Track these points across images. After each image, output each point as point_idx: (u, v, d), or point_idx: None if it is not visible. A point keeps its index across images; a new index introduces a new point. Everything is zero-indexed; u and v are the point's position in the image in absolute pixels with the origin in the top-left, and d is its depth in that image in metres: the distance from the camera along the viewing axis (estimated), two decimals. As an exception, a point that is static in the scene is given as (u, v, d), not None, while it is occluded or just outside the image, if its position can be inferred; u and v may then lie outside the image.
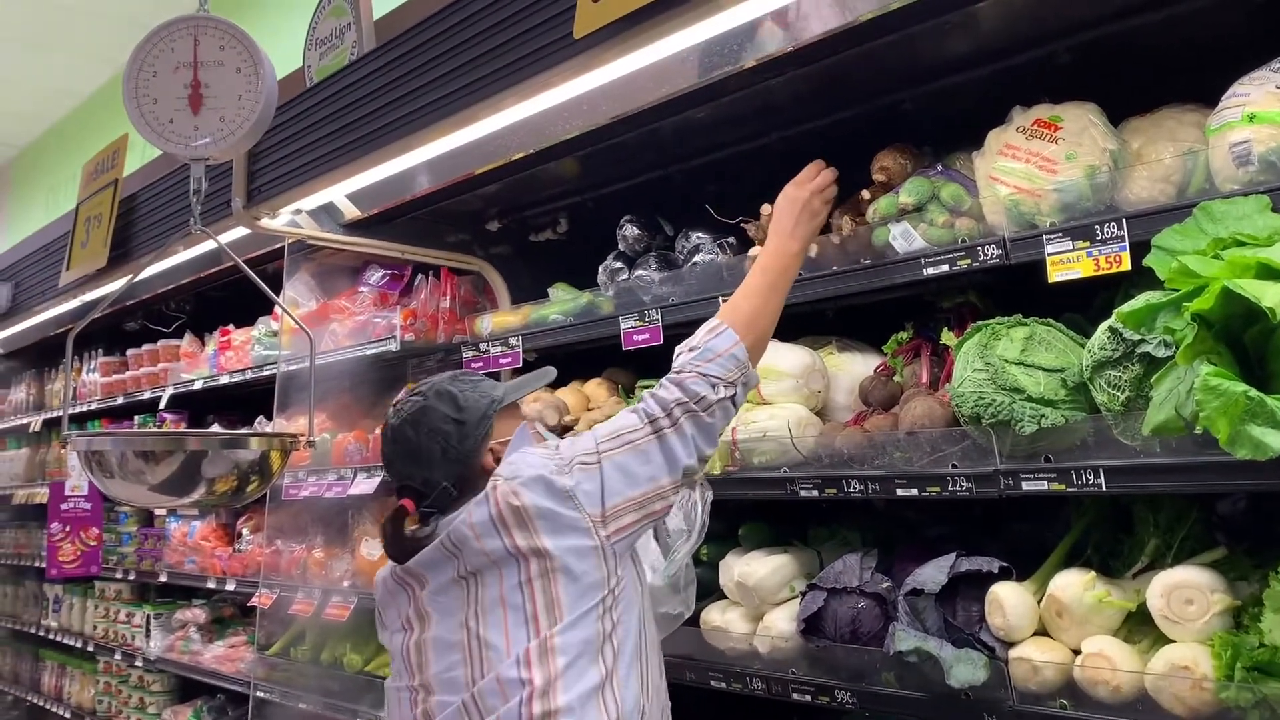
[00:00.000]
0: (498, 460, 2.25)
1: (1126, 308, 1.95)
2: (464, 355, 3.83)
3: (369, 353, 3.84)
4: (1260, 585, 2.11)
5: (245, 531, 5.09)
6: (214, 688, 5.36)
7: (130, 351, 6.16)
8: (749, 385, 2.28)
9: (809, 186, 2.55)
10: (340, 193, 3.50)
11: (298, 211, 3.59)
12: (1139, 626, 2.23)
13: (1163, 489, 2.10)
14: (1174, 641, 2.10)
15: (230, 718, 5.52)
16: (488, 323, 3.82)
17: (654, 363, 3.38)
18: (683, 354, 2.26)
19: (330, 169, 3.27)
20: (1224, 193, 2.09)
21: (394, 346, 3.80)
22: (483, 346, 3.77)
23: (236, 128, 2.61)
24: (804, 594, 2.65)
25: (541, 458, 2.15)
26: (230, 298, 5.36)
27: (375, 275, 4.20)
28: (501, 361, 3.70)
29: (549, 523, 2.06)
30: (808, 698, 2.63)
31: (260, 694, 4.39)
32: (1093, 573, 2.24)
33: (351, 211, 3.64)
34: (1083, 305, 2.58)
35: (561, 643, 2.01)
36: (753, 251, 2.94)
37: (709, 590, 3.03)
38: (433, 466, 2.22)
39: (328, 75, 3.37)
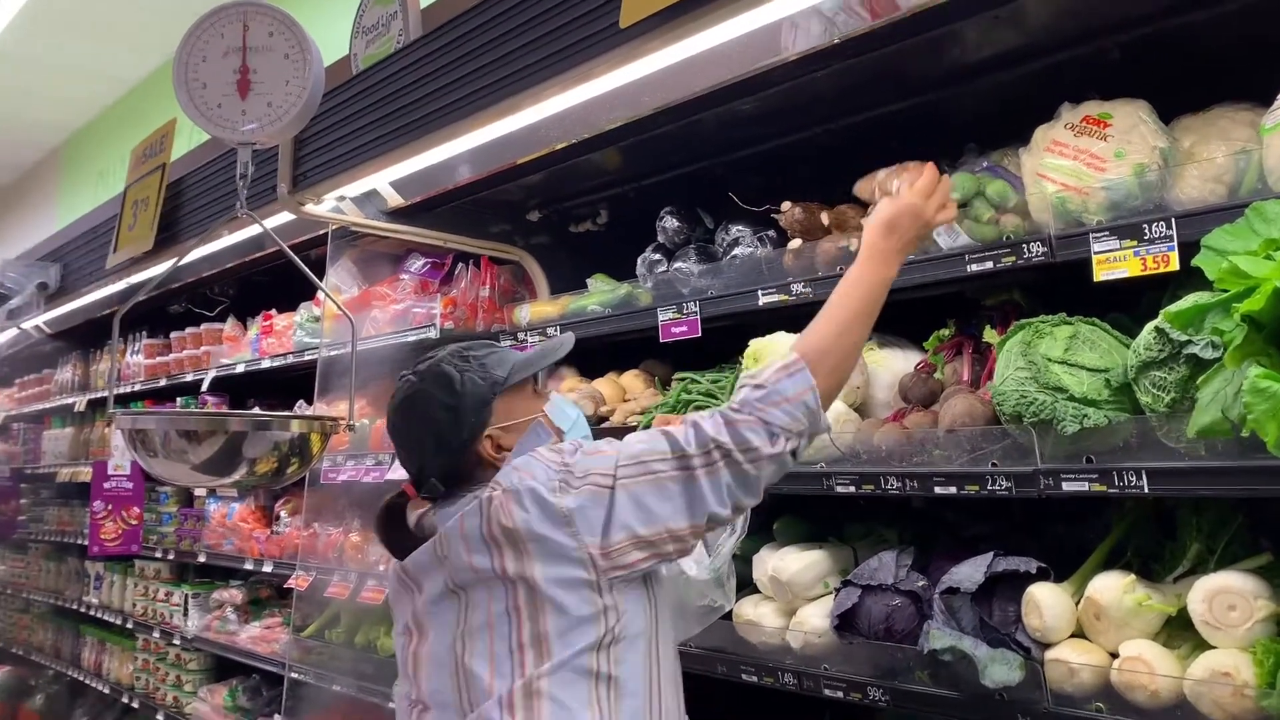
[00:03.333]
0: (499, 448, 2.05)
1: (1174, 308, 1.92)
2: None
3: (409, 340, 3.87)
4: (1306, 593, 2.08)
5: (283, 514, 5.15)
6: (249, 668, 5.43)
7: (174, 334, 6.25)
8: (816, 434, 2.01)
9: (931, 200, 2.20)
10: (384, 180, 3.53)
11: (341, 198, 3.62)
12: (1178, 631, 2.20)
13: (1206, 492, 2.07)
14: (1214, 647, 2.07)
15: (265, 697, 5.59)
16: (526, 312, 3.84)
17: (691, 355, 3.39)
18: (746, 387, 1.97)
19: (374, 156, 3.29)
20: (1278, 193, 2.05)
21: (433, 334, 3.82)
22: (521, 336, 3.79)
23: (284, 113, 2.64)
24: (838, 590, 2.64)
25: (546, 467, 1.91)
26: (273, 283, 5.41)
27: (416, 263, 4.22)
28: (539, 351, 3.71)
29: (540, 547, 1.85)
30: (840, 694, 2.62)
31: (295, 675, 4.44)
32: (1132, 575, 2.22)
33: (394, 199, 3.67)
34: (1128, 305, 2.54)
35: (548, 686, 1.83)
36: (793, 244, 2.93)
37: (741, 584, 3.02)
38: (424, 457, 2.06)
39: (373, 63, 3.40)
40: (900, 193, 2.20)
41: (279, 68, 2.69)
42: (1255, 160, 2.18)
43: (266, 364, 4.96)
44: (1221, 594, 2.06)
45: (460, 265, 4.06)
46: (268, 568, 4.98)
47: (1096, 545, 2.48)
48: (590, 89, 2.80)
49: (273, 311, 5.26)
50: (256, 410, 5.33)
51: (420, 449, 2.07)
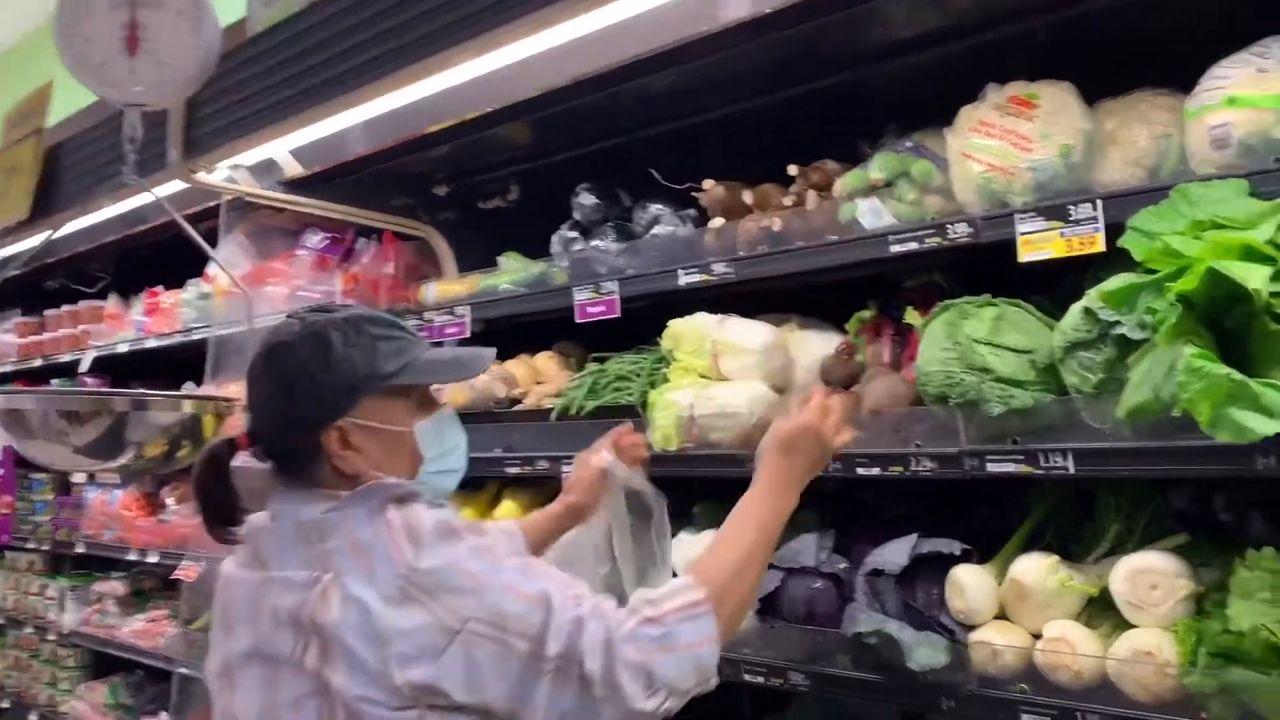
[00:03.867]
0: (345, 444, 1.73)
1: (1108, 287, 1.92)
2: (408, 324, 3.70)
3: (352, 304, 3.68)
4: (1221, 572, 2.10)
5: (171, 501, 4.90)
6: (131, 663, 5.17)
7: (49, 312, 5.89)
8: (700, 690, 1.72)
9: (829, 419, 2.01)
10: (283, 148, 3.36)
11: (236, 167, 3.44)
12: (1099, 612, 2.22)
13: (1131, 473, 2.08)
14: (1136, 627, 2.09)
15: (148, 693, 5.33)
16: (433, 291, 3.70)
17: (608, 336, 3.30)
18: (642, 611, 1.67)
19: (273, 122, 3.12)
20: (1200, 175, 2.06)
21: (335, 313, 3.65)
22: (428, 315, 3.65)
23: (176, 73, 2.47)
24: (759, 574, 2.60)
25: (391, 566, 1.59)
26: (158, 258, 5.11)
27: (314, 238, 4.04)
28: (448, 332, 3.58)
29: (348, 659, 1.56)
30: (760, 679, 2.58)
31: (183, 670, 4.22)
32: (1055, 557, 2.22)
33: (294, 168, 3.50)
34: (1047, 288, 2.55)
35: None
36: (714, 223, 2.87)
37: (659, 569, 2.96)
38: (263, 414, 1.79)
39: (273, 24, 3.21)
40: (795, 413, 2.02)
41: (172, 25, 2.52)
42: (1175, 144, 2.20)
43: (152, 343, 4.71)
44: (1143, 574, 2.08)
45: (362, 241, 3.90)
46: (153, 558, 4.73)
47: (1016, 527, 2.49)
48: (501, 57, 2.70)
49: (159, 288, 4.99)
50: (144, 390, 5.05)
51: (263, 404, 1.79)
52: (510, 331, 3.73)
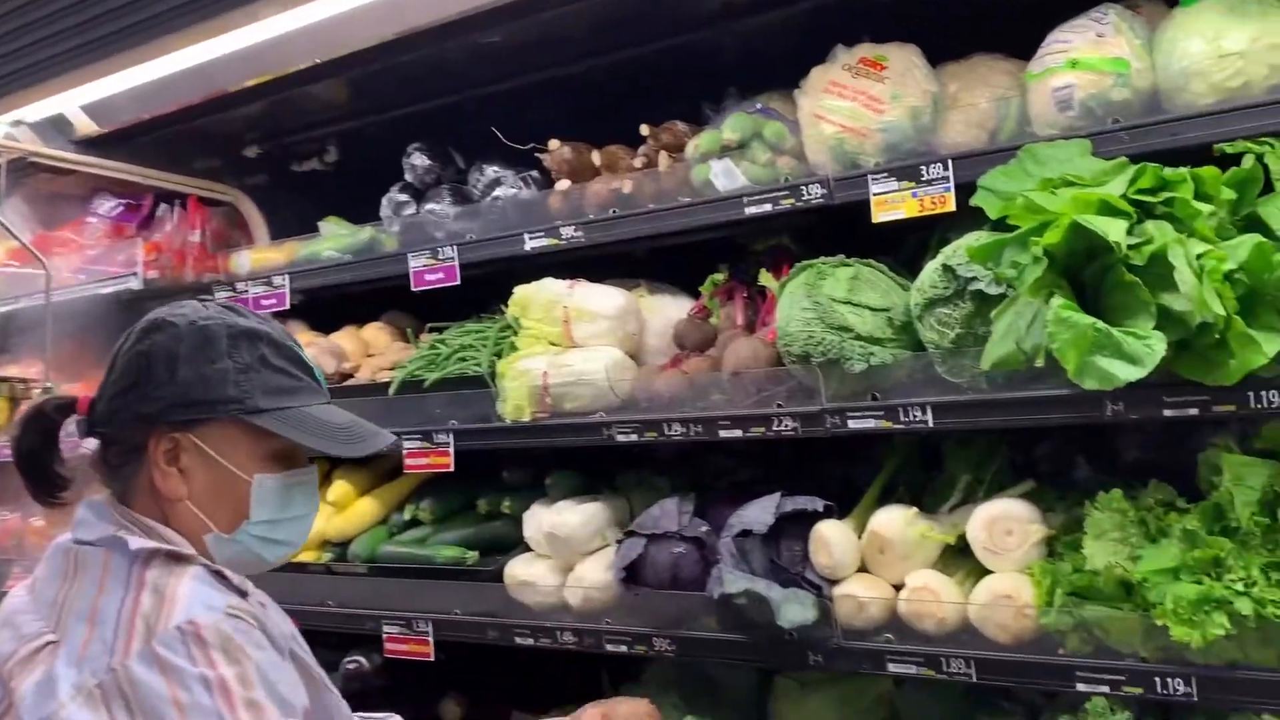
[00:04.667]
0: (172, 459, 1.56)
1: (974, 243, 1.96)
2: (218, 296, 3.43)
3: (105, 291, 3.36)
4: (1065, 516, 2.22)
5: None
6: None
7: None
8: None
9: None
10: (74, 103, 3.03)
11: (17, 124, 3.07)
12: (954, 559, 2.30)
13: (988, 424, 2.16)
14: (992, 572, 2.17)
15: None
16: (245, 260, 3.44)
17: (444, 305, 3.16)
18: None
19: (63, 72, 2.82)
20: (1042, 137, 2.15)
21: (135, 284, 3.37)
22: (240, 286, 3.39)
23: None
24: (620, 542, 2.56)
25: (102, 644, 1.38)
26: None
27: (106, 204, 3.69)
28: (264, 303, 3.34)
29: None
30: (623, 648, 2.55)
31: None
32: (914, 509, 2.28)
33: (86, 125, 3.17)
34: (888, 250, 2.61)
35: None
36: (561, 185, 2.78)
37: (511, 544, 2.88)
38: (109, 393, 1.60)
39: (58, -38, 2.88)
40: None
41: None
42: (1014, 107, 2.28)
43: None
44: (1000, 520, 2.16)
45: (163, 207, 3.58)
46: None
47: (864, 482, 2.55)
48: (317, 9, 2.52)
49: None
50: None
51: (116, 378, 1.59)
52: (335, 303, 3.53)
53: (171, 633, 1.38)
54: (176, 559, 1.51)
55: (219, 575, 1.55)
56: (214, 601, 1.45)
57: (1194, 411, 1.86)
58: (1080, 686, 1.99)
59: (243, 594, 1.57)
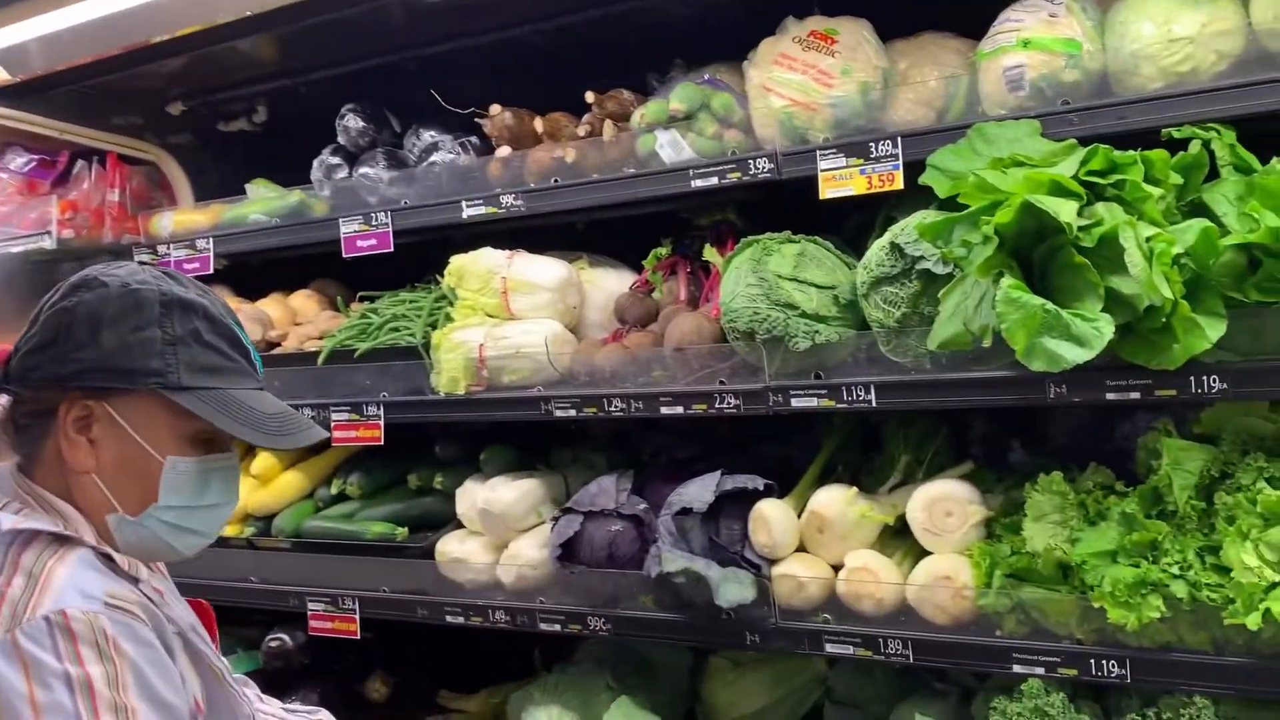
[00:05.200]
0: (83, 427, 1.48)
1: (925, 221, 1.94)
2: (137, 259, 3.28)
3: (15, 250, 3.20)
4: (1005, 497, 2.22)
5: None
6: None
7: None
8: None
9: None
10: (-17, 48, 2.85)
11: (-80, 68, 2.89)
12: (891, 540, 2.30)
13: (931, 405, 2.14)
14: (930, 553, 2.17)
15: None
16: (168, 221, 3.30)
17: (377, 274, 3.07)
18: None
19: (-29, 15, 2.64)
20: (992, 117, 2.13)
21: (48, 243, 3.20)
22: (162, 249, 3.25)
23: None
24: (556, 519, 2.51)
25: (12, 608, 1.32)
26: None
27: (18, 159, 3.49)
28: (186, 267, 3.20)
29: None
30: (557, 627, 2.50)
31: None
32: (854, 489, 2.27)
33: (-3, 74, 2.99)
34: (832, 227, 2.58)
35: None
36: (501, 152, 2.70)
37: (442, 521, 2.81)
38: (27, 348, 1.51)
39: (-34, -103, 2.71)
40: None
41: None
42: (963, 87, 2.26)
43: None
44: (940, 501, 2.16)
45: (81, 164, 3.41)
46: None
47: (803, 462, 2.53)
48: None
49: None
50: None
51: (37, 332, 1.50)
52: (261, 269, 3.41)
53: (38, 623, 1.30)
54: (61, 541, 1.42)
55: (107, 559, 1.46)
56: (92, 589, 1.36)
57: (1136, 395, 1.86)
58: (1017, 668, 2.00)
59: (134, 580, 1.48)
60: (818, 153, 2.25)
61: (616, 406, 2.40)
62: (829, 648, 2.20)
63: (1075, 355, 1.70)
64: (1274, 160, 1.86)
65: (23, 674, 1.27)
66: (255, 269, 3.39)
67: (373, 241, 2.82)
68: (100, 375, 1.47)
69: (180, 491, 1.52)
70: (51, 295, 1.53)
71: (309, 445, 3.03)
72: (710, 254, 2.53)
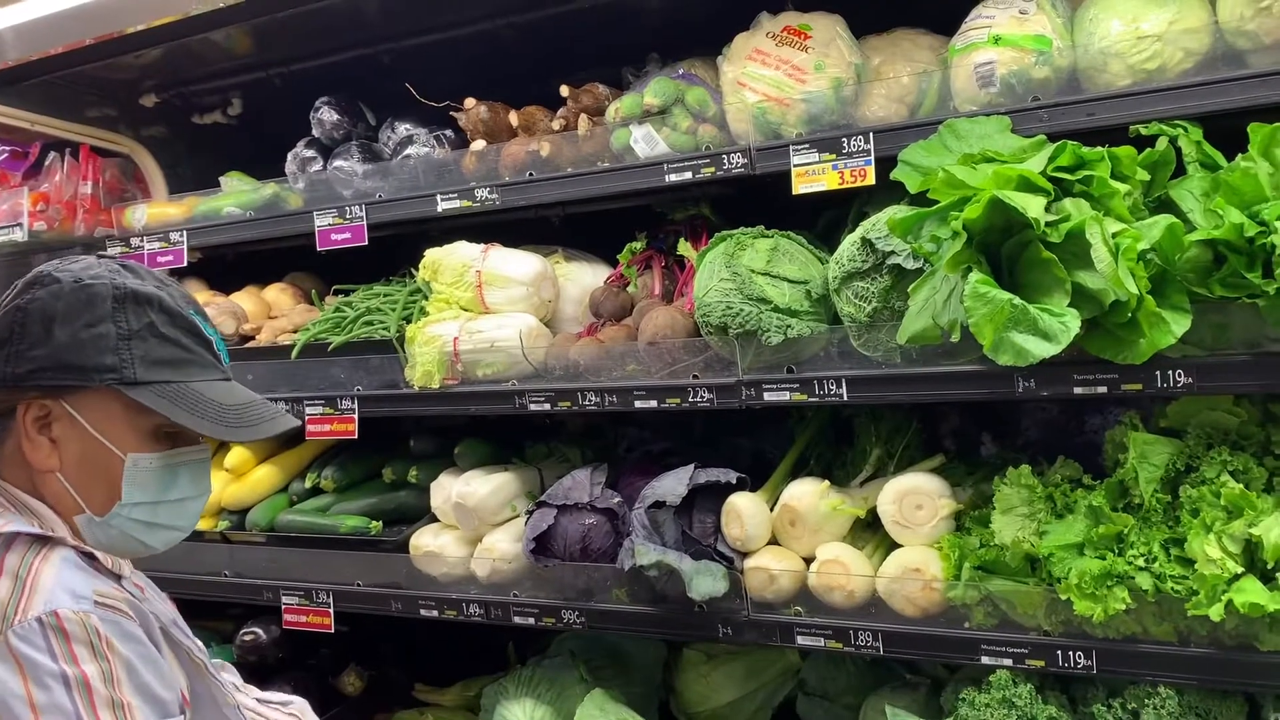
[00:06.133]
0: (43, 426, 1.47)
1: (895, 216, 1.95)
2: (110, 252, 3.26)
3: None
4: (974, 491, 2.24)
5: None
6: None
7: None
8: None
9: None
10: (-47, 38, 2.82)
11: (-113, 58, 2.86)
12: (862, 533, 2.31)
13: (902, 399, 2.17)
14: (901, 546, 2.19)
15: None
16: (141, 214, 3.28)
17: (351, 267, 3.06)
18: None
19: (-60, 5, 2.61)
20: (964, 113, 2.14)
21: (20, 236, 3.18)
22: (135, 242, 3.23)
23: None
24: (531, 512, 2.51)
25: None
26: None
27: (-12, 151, 3.46)
28: (160, 260, 3.19)
29: None
30: (531, 620, 2.50)
31: None
32: (826, 482, 2.28)
33: (-33, 64, 2.95)
34: (805, 223, 2.59)
35: None
36: (476, 145, 2.69)
37: (417, 515, 2.81)
38: None
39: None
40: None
41: None
42: (935, 83, 2.27)
43: None
44: (910, 494, 2.17)
45: (53, 155, 3.38)
46: None
47: (775, 455, 2.55)
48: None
49: None
50: None
51: None
52: (235, 262, 3.39)
53: (30, 624, 1.30)
54: (42, 541, 1.41)
55: (89, 558, 1.45)
56: (81, 589, 1.36)
57: (1103, 390, 1.88)
58: (985, 659, 2.02)
59: (117, 578, 1.48)
60: (791, 148, 2.26)
61: (590, 400, 2.41)
62: (800, 640, 2.21)
63: (1042, 349, 1.71)
64: (1239, 157, 1.88)
65: (19, 675, 1.27)
66: (229, 262, 3.37)
67: (347, 235, 2.81)
68: (55, 374, 1.45)
69: (145, 488, 1.51)
70: (6, 293, 1.50)
71: (283, 439, 3.09)
72: (684, 248, 2.54)
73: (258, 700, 1.91)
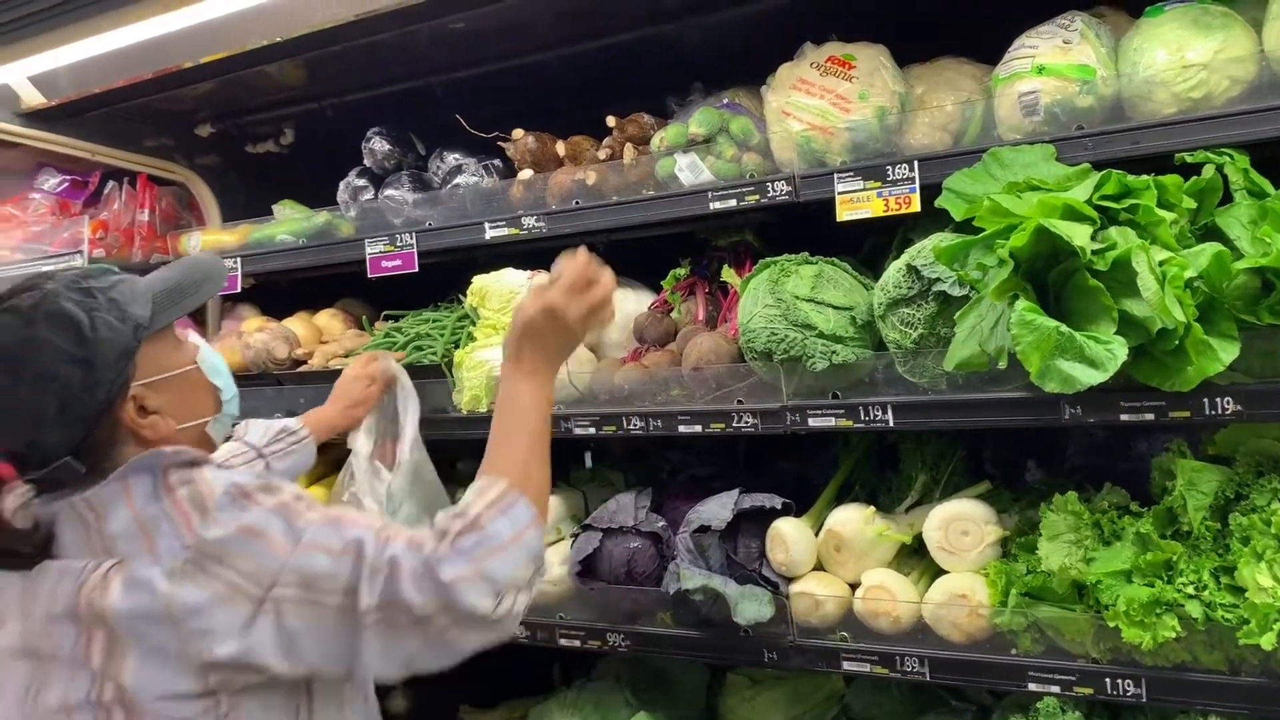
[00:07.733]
0: (143, 410, 1.57)
1: (941, 244, 1.97)
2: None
3: (47, 270, 3.25)
4: (1020, 517, 2.24)
5: None
6: None
7: None
8: (535, 587, 1.61)
9: (579, 298, 1.72)
10: (21, 73, 2.93)
11: (-42, 93, 2.97)
12: (908, 559, 2.32)
13: (947, 425, 2.17)
14: (947, 572, 2.19)
15: None
16: (196, 241, 3.37)
17: (401, 293, 3.12)
18: (452, 527, 1.51)
19: (10, 42, 2.72)
20: (1007, 141, 2.16)
21: (80, 262, 3.28)
22: (191, 269, 3.31)
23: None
24: (575, 536, 2.54)
25: (173, 538, 1.46)
26: None
27: (51, 180, 3.58)
28: (214, 286, 3.26)
29: (139, 645, 1.43)
30: (577, 642, 2.53)
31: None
32: (871, 508, 2.29)
33: (33, 98, 3.05)
34: (850, 249, 2.62)
35: None
36: (523, 175, 2.75)
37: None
38: (38, 427, 1.49)
39: (6, -72, 2.79)
40: (547, 286, 1.72)
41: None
42: (979, 111, 2.29)
43: None
44: (956, 520, 2.18)
45: (111, 184, 3.49)
46: None
47: (820, 480, 2.56)
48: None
49: None
50: None
51: (33, 417, 1.49)
52: (288, 288, 3.47)
53: (221, 499, 1.48)
54: (188, 465, 1.56)
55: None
56: (237, 477, 1.55)
57: (1150, 417, 1.88)
58: (1032, 686, 2.02)
59: None
60: (835, 176, 2.29)
61: (635, 425, 2.44)
62: (846, 665, 2.22)
63: (1089, 377, 1.72)
64: (1286, 184, 1.88)
65: (236, 528, 1.46)
66: (282, 288, 3.45)
67: (398, 262, 2.87)
68: (117, 379, 1.54)
69: (217, 370, 1.75)
70: (8, 373, 1.50)
71: (331, 463, 3.13)
72: (728, 275, 2.57)
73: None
